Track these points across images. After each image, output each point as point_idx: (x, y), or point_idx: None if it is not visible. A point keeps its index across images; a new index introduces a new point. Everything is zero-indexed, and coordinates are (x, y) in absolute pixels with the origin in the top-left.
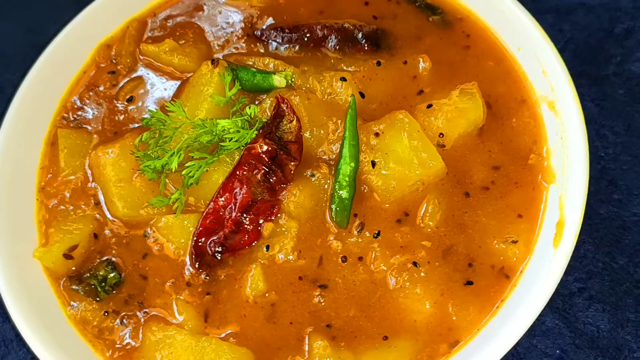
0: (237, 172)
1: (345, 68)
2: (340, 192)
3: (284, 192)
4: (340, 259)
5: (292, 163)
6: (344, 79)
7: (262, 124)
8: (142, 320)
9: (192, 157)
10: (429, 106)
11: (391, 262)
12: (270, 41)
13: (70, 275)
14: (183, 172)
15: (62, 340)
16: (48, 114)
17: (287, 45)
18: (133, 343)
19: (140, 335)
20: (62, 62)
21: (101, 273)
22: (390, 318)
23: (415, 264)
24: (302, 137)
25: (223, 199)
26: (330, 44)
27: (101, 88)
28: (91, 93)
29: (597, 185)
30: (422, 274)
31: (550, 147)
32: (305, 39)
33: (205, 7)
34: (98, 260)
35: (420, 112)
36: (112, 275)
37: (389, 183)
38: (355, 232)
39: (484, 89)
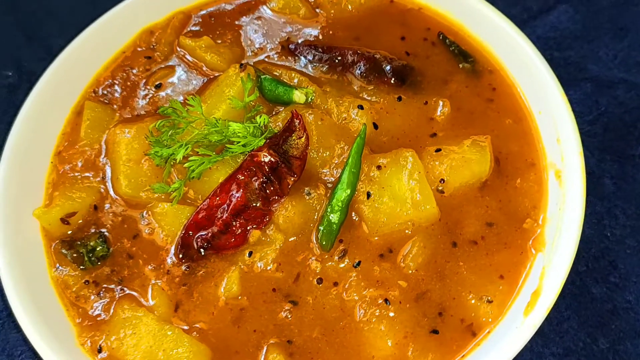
0: (237, 176)
1: (366, 97)
2: (331, 215)
3: (277, 204)
4: (315, 280)
5: (291, 178)
6: (361, 107)
7: (271, 134)
8: (117, 296)
9: (197, 152)
10: (438, 150)
11: (364, 293)
12: (301, 56)
13: (63, 239)
14: (185, 165)
15: (39, 298)
16: (81, 85)
17: (316, 64)
18: (103, 316)
19: (112, 310)
20: (105, 38)
21: (91, 243)
22: (350, 347)
23: (386, 300)
24: (307, 155)
25: (219, 198)
26: (357, 71)
27: (134, 70)
28: (124, 73)
29: (595, 264)
30: (391, 313)
31: (548, 216)
32: (335, 61)
33: (250, 13)
34: (92, 231)
35: (427, 154)
36: (100, 247)
37: (380, 217)
38: (336, 258)
39: (497, 145)
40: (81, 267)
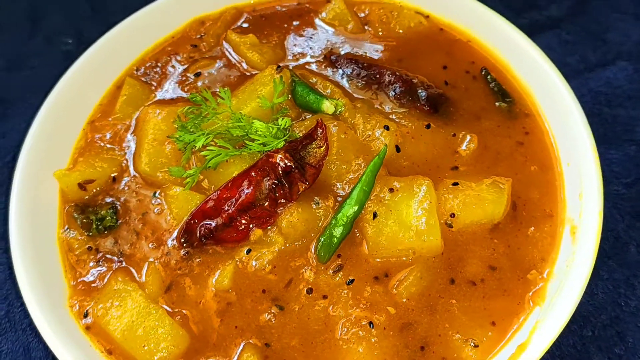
0: (251, 173)
1: (395, 118)
2: (334, 229)
3: (283, 208)
4: (306, 290)
5: (303, 185)
6: (387, 128)
7: (292, 138)
8: (115, 267)
9: (217, 143)
10: (455, 184)
11: (350, 312)
12: (340, 69)
13: (77, 203)
14: (202, 153)
15: (41, 254)
16: (126, 61)
17: (353, 78)
18: (97, 284)
19: (106, 280)
20: (158, 21)
21: (102, 212)
22: None
23: (371, 324)
24: (322, 165)
25: (229, 191)
26: (392, 91)
27: (179, 57)
28: (169, 57)
29: (603, 332)
30: (373, 338)
31: (555, 271)
32: (372, 79)
33: (301, 19)
34: (105, 201)
35: (443, 186)
36: (110, 218)
37: (381, 239)
38: (331, 271)
39: (517, 189)
40: (88, 233)
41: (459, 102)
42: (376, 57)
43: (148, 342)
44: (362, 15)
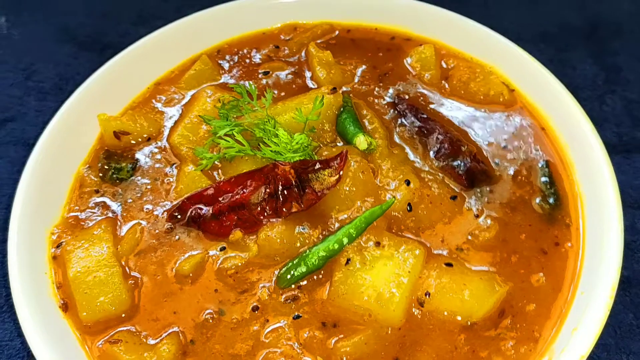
0: (255, 176)
1: (424, 177)
2: (305, 259)
3: (269, 220)
4: (252, 306)
5: (296, 206)
6: (408, 183)
7: (309, 157)
8: (106, 215)
9: (234, 136)
10: (448, 264)
11: (280, 346)
12: (398, 112)
13: (109, 149)
14: (219, 141)
15: (53, 178)
16: (212, 41)
17: (405, 125)
18: (85, 224)
19: (92, 223)
20: (257, 15)
21: (122, 165)
22: None
23: None
24: (324, 195)
25: (229, 186)
26: (435, 149)
27: (259, 52)
28: (251, 49)
29: None
30: None
31: None
32: (423, 132)
33: (388, 54)
34: (130, 156)
35: (435, 262)
36: (126, 171)
37: (343, 288)
38: (283, 299)
39: (515, 296)
40: (102, 177)
41: (500, 186)
42: (440, 113)
43: (91, 290)
44: (446, 67)
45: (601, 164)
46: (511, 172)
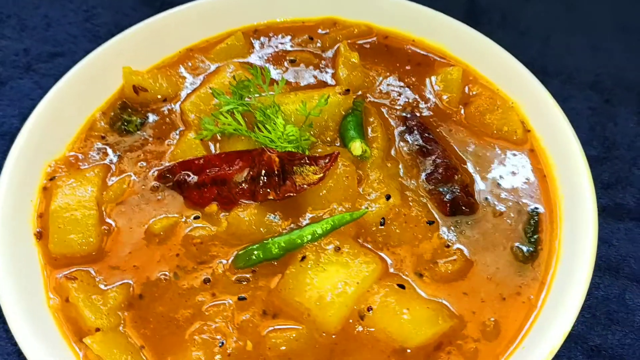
0: (243, 156)
1: (408, 194)
2: (265, 247)
3: (245, 201)
4: (205, 278)
5: (272, 194)
6: (388, 197)
7: (300, 150)
8: (104, 161)
9: (234, 114)
10: (400, 286)
11: (217, 321)
12: (406, 127)
13: (126, 101)
14: (216, 114)
15: (67, 115)
16: (251, 19)
17: (408, 141)
18: (82, 164)
19: (88, 166)
20: (301, 2)
21: (133, 118)
22: (168, 346)
23: (222, 343)
24: (303, 190)
25: (219, 160)
26: (428, 171)
27: (293, 40)
28: (286, 36)
29: None
30: (216, 356)
31: None
32: (423, 151)
33: (417, 67)
34: (142, 112)
35: (389, 279)
36: (134, 125)
37: (291, 282)
38: (235, 278)
39: (457, 335)
40: (112, 126)
41: (481, 222)
42: (447, 137)
43: (65, 226)
44: (469, 93)
45: (589, 227)
46: (498, 211)
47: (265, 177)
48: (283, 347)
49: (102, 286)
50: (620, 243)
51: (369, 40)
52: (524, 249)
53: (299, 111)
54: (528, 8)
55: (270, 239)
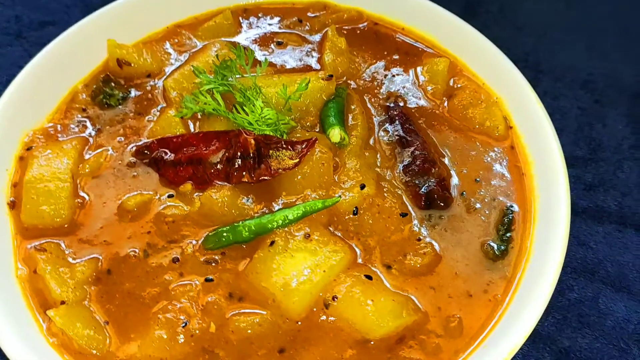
0: (221, 137)
1: (383, 185)
2: (235, 229)
3: (219, 182)
4: (173, 257)
5: (247, 177)
6: (362, 187)
7: (278, 134)
8: (83, 134)
9: (214, 94)
10: (368, 277)
11: (183, 301)
12: (388, 117)
13: (109, 74)
14: (196, 92)
15: (47, 87)
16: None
17: (389, 131)
18: (60, 136)
19: (66, 138)
20: None
21: (115, 92)
22: (132, 322)
23: (185, 323)
24: (277, 174)
25: (197, 140)
26: (405, 162)
27: (282, 22)
28: (274, 18)
29: None
30: (178, 335)
31: None
32: (402, 142)
33: (405, 56)
34: (125, 86)
35: (356, 270)
36: (116, 99)
37: (259, 266)
38: (203, 259)
39: (420, 329)
40: (93, 99)
41: (455, 217)
42: (428, 129)
43: (38, 197)
44: (454, 85)
45: (560, 228)
46: (472, 207)
47: (240, 159)
48: (247, 331)
49: (70, 259)
50: (598, 246)
51: (359, 26)
52: (495, 246)
53: (279, 94)
54: (527, 3)
55: (241, 222)
